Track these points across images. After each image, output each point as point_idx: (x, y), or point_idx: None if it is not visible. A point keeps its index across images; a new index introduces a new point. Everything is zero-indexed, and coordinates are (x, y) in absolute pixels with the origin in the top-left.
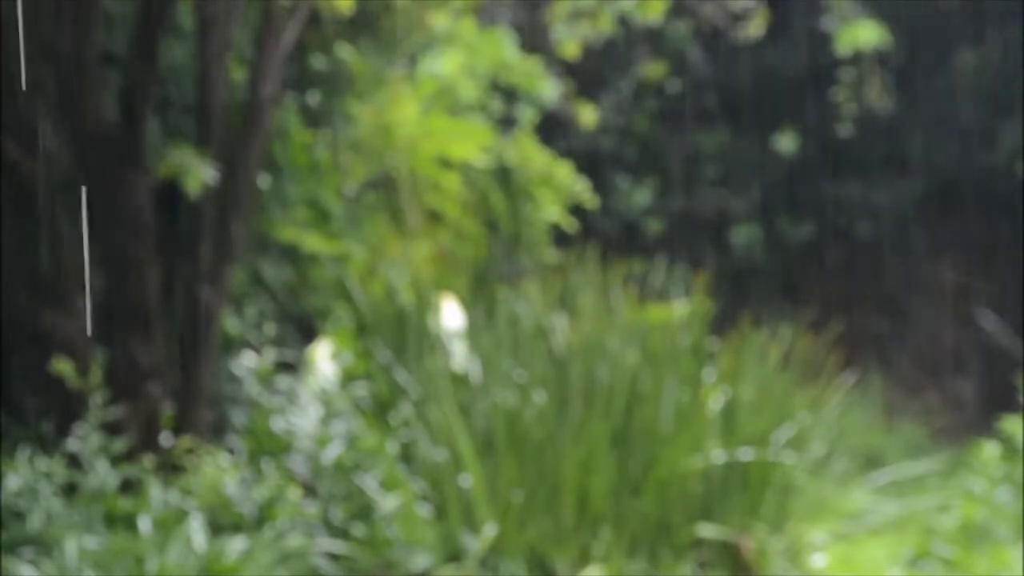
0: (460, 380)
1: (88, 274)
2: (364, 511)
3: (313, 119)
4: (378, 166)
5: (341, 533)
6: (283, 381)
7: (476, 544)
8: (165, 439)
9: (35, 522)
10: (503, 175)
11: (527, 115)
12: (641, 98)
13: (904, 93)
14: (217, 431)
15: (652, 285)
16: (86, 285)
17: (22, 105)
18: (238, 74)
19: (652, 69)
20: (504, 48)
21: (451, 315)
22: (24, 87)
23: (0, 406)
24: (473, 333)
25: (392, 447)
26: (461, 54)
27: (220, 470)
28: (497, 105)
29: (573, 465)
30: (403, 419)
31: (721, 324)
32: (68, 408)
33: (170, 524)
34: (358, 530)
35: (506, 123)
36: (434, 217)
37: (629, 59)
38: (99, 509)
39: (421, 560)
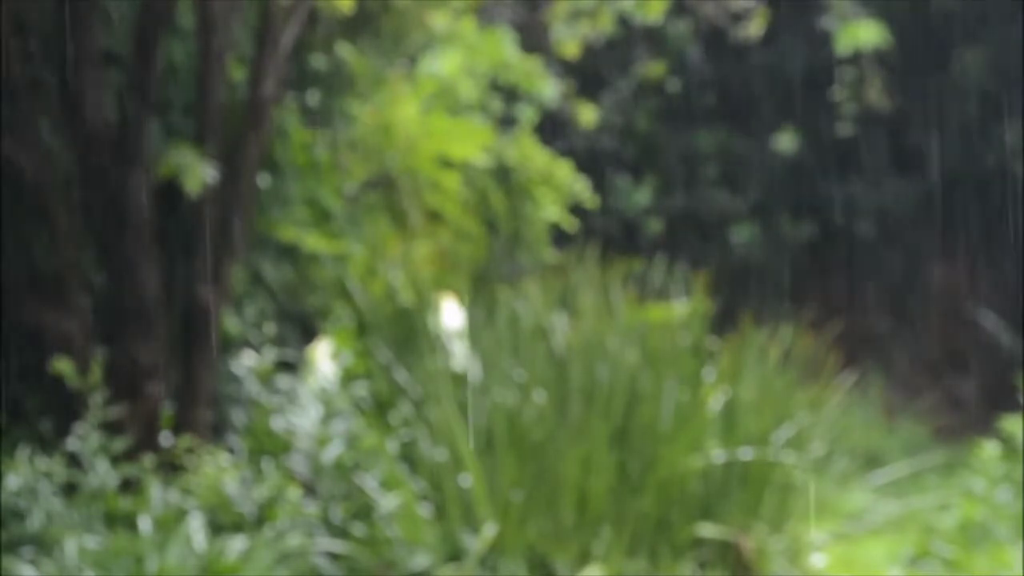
0: (460, 380)
1: (88, 274)
2: (364, 511)
3: (313, 119)
4: (378, 166)
5: (341, 533)
6: (283, 381)
7: (476, 544)
8: (165, 439)
9: (35, 522)
10: (503, 175)
11: (527, 115)
12: (641, 98)
13: (904, 93)
14: (217, 431)
15: (652, 285)
16: (86, 285)
17: (22, 105)
18: (238, 74)
19: (652, 69)
20: (504, 48)
21: (451, 315)
22: (24, 87)
23: (0, 406)
24: (473, 333)
25: (392, 447)
26: (461, 54)
27: (220, 470)
28: (497, 105)
29: (573, 465)
30: (403, 419)
31: (721, 324)
32: (68, 408)
33: (170, 524)
34: (358, 530)
35: (506, 123)
36: (434, 217)
37: (629, 59)
38: (99, 509)
39: (421, 560)
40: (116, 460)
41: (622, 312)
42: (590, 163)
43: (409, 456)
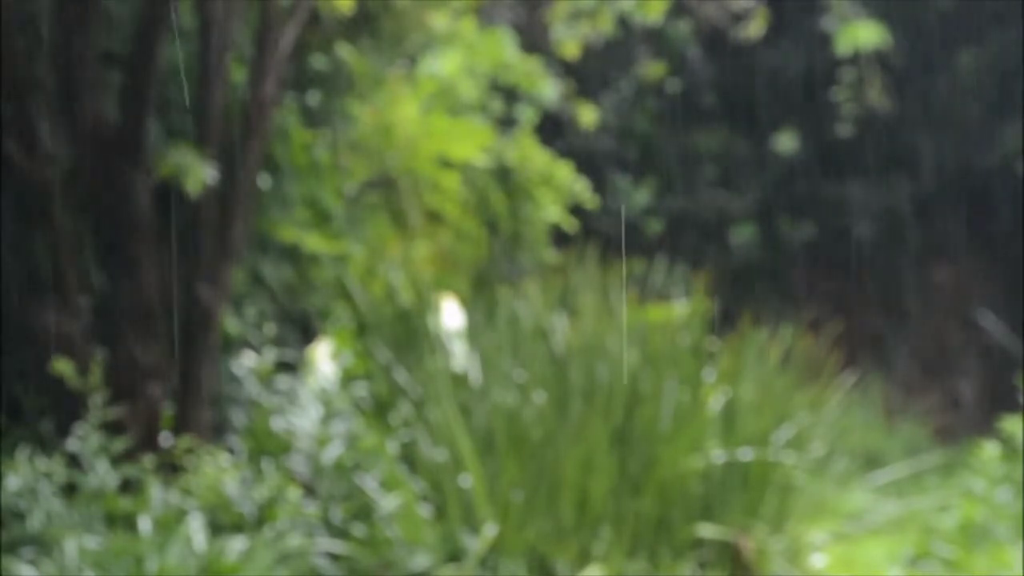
0: (460, 380)
1: (88, 274)
2: (364, 511)
3: (313, 119)
4: (378, 166)
5: (341, 533)
6: (283, 381)
7: (476, 544)
8: (165, 439)
9: (35, 522)
10: (503, 175)
11: (527, 115)
12: (641, 98)
13: (904, 93)
14: (217, 431)
15: (652, 285)
16: (86, 285)
17: (22, 105)
18: (238, 74)
19: (652, 69)
20: (504, 48)
21: (451, 315)
22: (24, 87)
23: (0, 406)
24: (473, 333)
25: (392, 447)
26: (461, 54)
27: (220, 470)
28: (497, 105)
29: (573, 465)
30: (403, 419)
31: (721, 324)
32: (68, 408)
33: (170, 524)
34: (358, 530)
35: (506, 123)
36: (434, 217)
37: (629, 59)
38: (99, 509)
39: (421, 560)
40: (116, 460)
41: (622, 312)
42: (590, 163)
43: (409, 456)
